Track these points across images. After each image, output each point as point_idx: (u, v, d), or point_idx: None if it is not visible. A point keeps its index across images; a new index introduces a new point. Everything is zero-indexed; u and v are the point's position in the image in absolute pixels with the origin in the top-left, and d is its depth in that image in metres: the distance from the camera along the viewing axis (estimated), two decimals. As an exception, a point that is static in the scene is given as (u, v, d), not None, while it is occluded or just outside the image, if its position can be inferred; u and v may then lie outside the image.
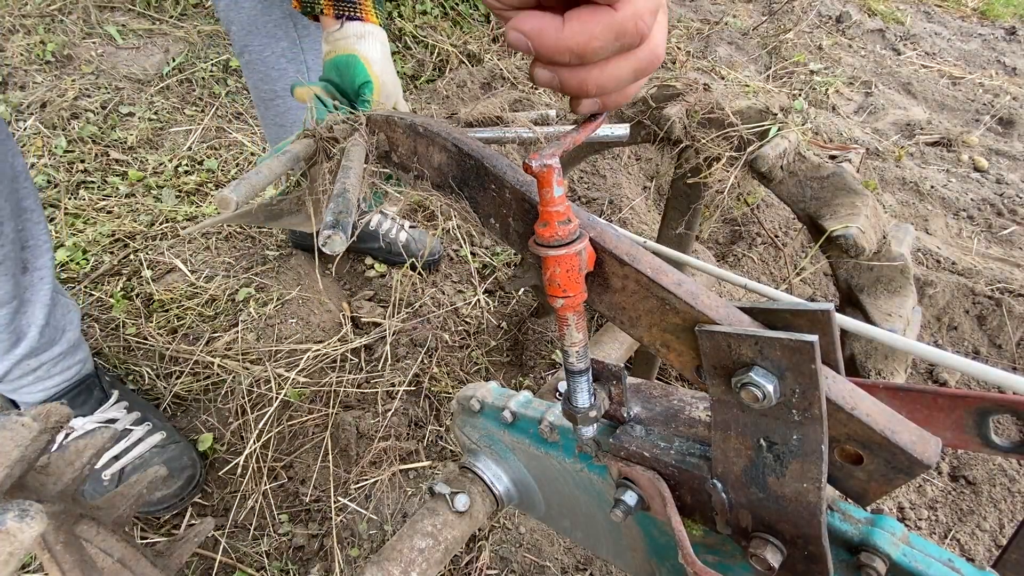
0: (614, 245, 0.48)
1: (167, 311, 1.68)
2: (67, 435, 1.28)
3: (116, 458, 1.31)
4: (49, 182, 1.95)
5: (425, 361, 1.63)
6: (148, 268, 1.76)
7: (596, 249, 0.48)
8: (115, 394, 1.38)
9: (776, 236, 2.14)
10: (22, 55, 2.28)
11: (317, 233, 0.51)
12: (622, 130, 0.68)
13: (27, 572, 1.22)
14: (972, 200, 2.39)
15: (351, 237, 0.49)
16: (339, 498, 1.38)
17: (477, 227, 0.57)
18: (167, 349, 1.58)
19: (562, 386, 0.55)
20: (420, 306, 1.76)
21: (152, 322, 1.64)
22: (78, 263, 1.75)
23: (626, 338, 1.29)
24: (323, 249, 0.46)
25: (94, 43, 2.44)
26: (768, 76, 2.98)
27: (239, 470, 1.40)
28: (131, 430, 1.34)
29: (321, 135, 0.66)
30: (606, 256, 0.48)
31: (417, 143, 0.60)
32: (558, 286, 0.45)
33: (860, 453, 0.45)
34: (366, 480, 1.41)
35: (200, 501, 1.37)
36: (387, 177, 0.67)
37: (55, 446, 0.60)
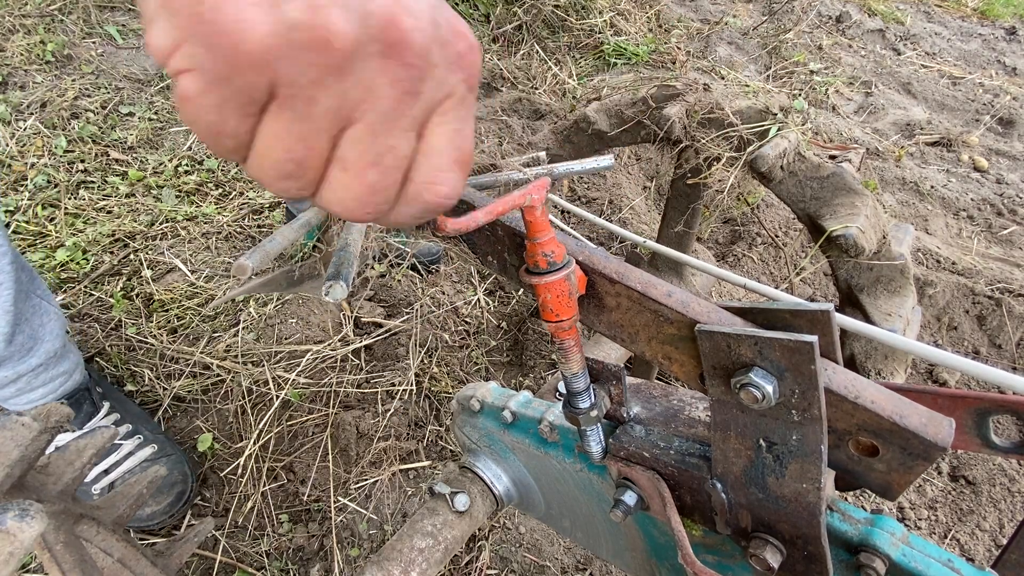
0: (603, 265, 0.50)
1: (167, 311, 1.68)
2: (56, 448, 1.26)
3: (106, 472, 1.29)
4: (49, 182, 1.95)
5: (425, 361, 1.63)
6: (148, 268, 1.76)
7: (586, 271, 0.50)
8: (105, 406, 1.36)
9: (776, 236, 2.14)
10: (22, 55, 2.28)
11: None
12: (607, 161, 0.69)
13: (27, 572, 1.22)
14: (972, 200, 2.39)
15: (350, 285, 0.53)
16: (339, 498, 1.38)
17: (478, 266, 0.60)
18: (167, 349, 1.58)
19: (562, 386, 0.56)
20: (420, 306, 1.76)
21: (152, 322, 1.64)
22: (78, 263, 1.75)
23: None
24: (326, 298, 0.50)
25: (94, 43, 2.44)
26: (768, 76, 2.97)
27: (239, 471, 1.40)
28: (120, 444, 1.32)
29: None
30: (596, 277, 0.50)
31: None
32: (551, 311, 0.47)
33: (875, 444, 0.44)
34: (366, 480, 1.41)
35: (200, 502, 1.37)
36: (396, 232, 0.72)
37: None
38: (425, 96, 0.31)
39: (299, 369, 1.56)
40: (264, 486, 1.38)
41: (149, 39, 0.28)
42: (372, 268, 1.89)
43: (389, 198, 0.32)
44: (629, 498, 0.59)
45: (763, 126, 1.06)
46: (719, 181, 1.07)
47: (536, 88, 2.66)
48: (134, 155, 2.11)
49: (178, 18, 0.26)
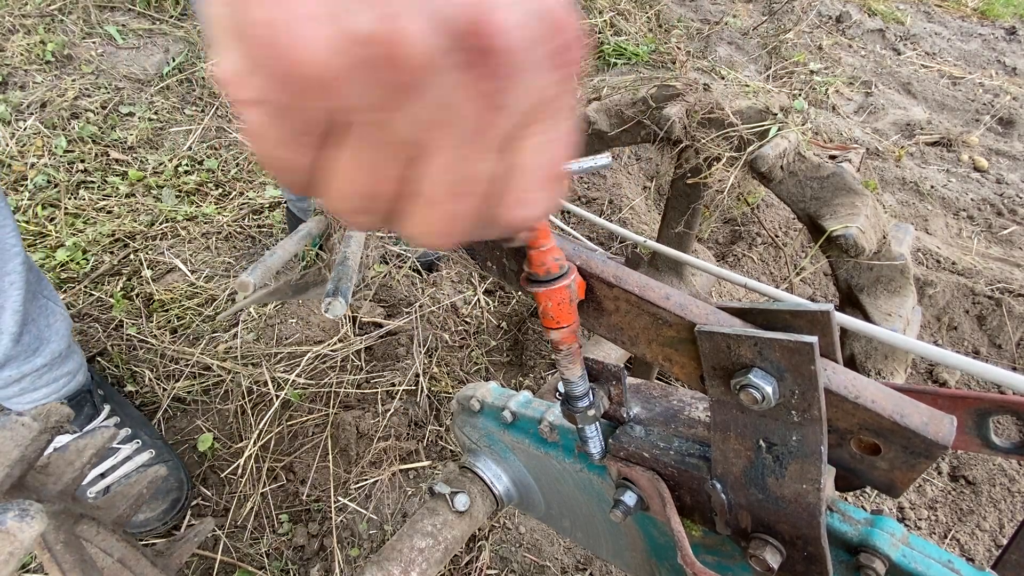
0: (600, 270, 0.50)
1: (167, 311, 1.68)
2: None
3: (102, 476, 1.29)
4: (49, 182, 1.95)
5: (425, 361, 1.63)
6: (148, 268, 1.76)
7: (584, 275, 0.50)
8: (106, 409, 1.35)
9: (776, 236, 2.14)
10: (22, 55, 2.28)
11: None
12: (605, 160, 0.70)
13: (27, 572, 1.22)
14: (972, 200, 2.39)
15: (349, 301, 0.53)
16: (339, 498, 1.38)
17: (478, 272, 0.61)
18: (168, 350, 1.58)
19: (562, 387, 0.56)
20: (420, 306, 1.76)
21: (152, 322, 1.64)
22: (78, 263, 1.75)
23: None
24: (326, 314, 0.50)
25: (94, 43, 2.44)
26: (768, 76, 2.97)
27: (239, 471, 1.40)
28: (118, 448, 1.32)
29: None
30: (595, 281, 0.50)
31: None
32: (552, 318, 0.48)
33: (876, 443, 0.44)
34: (366, 480, 1.41)
35: (200, 501, 1.37)
36: (395, 240, 0.72)
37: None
38: (514, 108, 0.25)
39: (299, 369, 1.56)
40: (264, 486, 1.38)
41: (219, 67, 0.24)
42: (372, 268, 1.89)
43: (472, 224, 0.29)
44: (629, 498, 0.59)
45: (763, 126, 1.06)
46: (719, 181, 1.07)
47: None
48: (134, 155, 2.11)
49: (243, 43, 0.23)
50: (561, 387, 0.55)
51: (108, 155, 2.08)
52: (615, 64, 2.84)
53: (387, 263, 1.71)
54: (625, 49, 2.86)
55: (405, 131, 0.25)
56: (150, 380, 1.53)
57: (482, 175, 0.27)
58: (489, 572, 1.30)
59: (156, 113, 2.27)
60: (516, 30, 0.23)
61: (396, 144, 0.25)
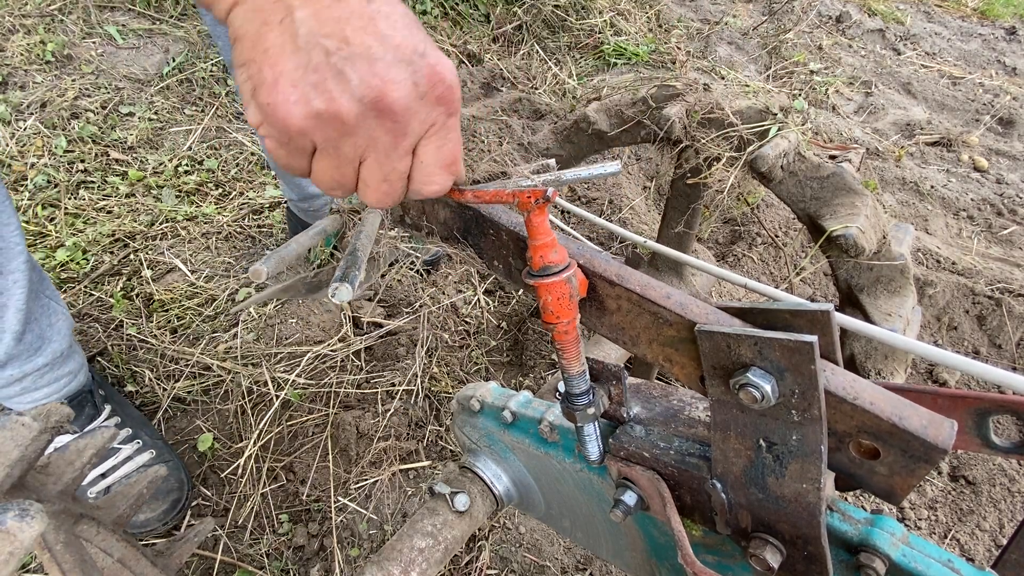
0: (603, 268, 0.51)
1: (167, 311, 1.68)
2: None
3: (103, 476, 1.29)
4: (49, 182, 1.95)
5: (425, 361, 1.63)
6: (148, 268, 1.76)
7: (587, 274, 0.51)
8: (107, 409, 1.35)
9: (776, 236, 2.14)
10: (22, 55, 2.28)
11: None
12: (614, 167, 0.70)
13: (27, 572, 1.22)
14: (972, 200, 2.39)
15: (356, 288, 0.56)
16: (339, 498, 1.38)
17: (484, 271, 0.62)
18: (168, 350, 1.58)
19: (562, 386, 0.56)
20: (420, 306, 1.76)
21: (152, 322, 1.64)
22: (78, 263, 1.75)
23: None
24: (332, 300, 0.55)
25: (94, 43, 2.44)
26: (768, 76, 2.97)
27: (239, 471, 1.40)
28: (118, 448, 1.32)
29: (344, 210, 0.74)
30: (597, 280, 0.51)
31: (424, 203, 0.66)
32: (551, 313, 0.48)
33: (875, 446, 0.44)
34: (366, 480, 1.41)
35: (200, 502, 1.37)
36: (408, 238, 0.73)
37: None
38: (412, 132, 0.45)
39: (299, 369, 1.56)
40: (264, 486, 1.38)
41: (247, 115, 0.44)
42: (381, 269, 1.89)
43: (400, 195, 0.49)
44: (629, 498, 0.59)
45: (763, 126, 1.06)
46: (719, 181, 1.07)
47: (536, 88, 2.66)
48: (134, 155, 2.11)
49: (259, 108, 0.43)
50: (562, 385, 0.55)
51: (108, 155, 2.08)
52: (615, 64, 2.84)
53: (397, 261, 1.71)
54: (625, 49, 2.86)
55: (350, 151, 0.45)
56: (150, 380, 1.53)
57: (400, 169, 0.46)
58: (489, 572, 1.30)
59: (156, 113, 2.27)
60: (402, 97, 0.42)
61: (346, 158, 0.45)
